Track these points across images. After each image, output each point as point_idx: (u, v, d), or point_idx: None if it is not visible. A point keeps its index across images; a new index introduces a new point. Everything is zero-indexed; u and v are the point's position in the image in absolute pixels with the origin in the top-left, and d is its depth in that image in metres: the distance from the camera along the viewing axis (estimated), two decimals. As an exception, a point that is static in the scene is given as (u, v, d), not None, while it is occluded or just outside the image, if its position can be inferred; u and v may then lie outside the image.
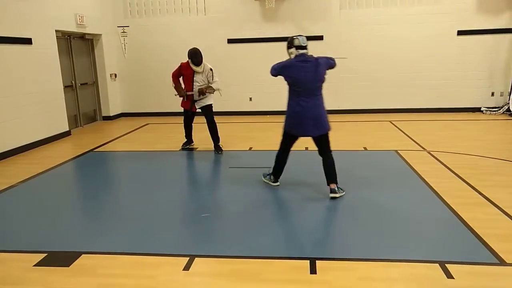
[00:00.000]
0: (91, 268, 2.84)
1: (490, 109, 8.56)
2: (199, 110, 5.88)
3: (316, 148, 4.07)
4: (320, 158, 4.05)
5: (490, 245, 2.96)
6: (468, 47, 8.48)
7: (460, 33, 8.41)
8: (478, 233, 3.16)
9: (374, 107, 8.94)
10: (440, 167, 4.95)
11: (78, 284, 2.66)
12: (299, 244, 3.17)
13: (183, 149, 6.20)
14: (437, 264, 2.72)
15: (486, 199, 3.87)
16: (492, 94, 8.68)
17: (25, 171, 5.21)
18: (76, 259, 2.95)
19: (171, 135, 7.17)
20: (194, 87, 5.69)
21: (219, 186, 4.80)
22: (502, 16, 8.29)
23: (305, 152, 5.39)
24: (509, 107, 8.31)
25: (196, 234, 3.39)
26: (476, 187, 4.17)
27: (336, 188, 3.98)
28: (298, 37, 3.90)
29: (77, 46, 8.32)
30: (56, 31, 7.16)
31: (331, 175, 4.00)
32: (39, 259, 2.96)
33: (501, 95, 8.65)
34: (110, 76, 9.12)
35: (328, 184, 4.01)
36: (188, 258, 2.92)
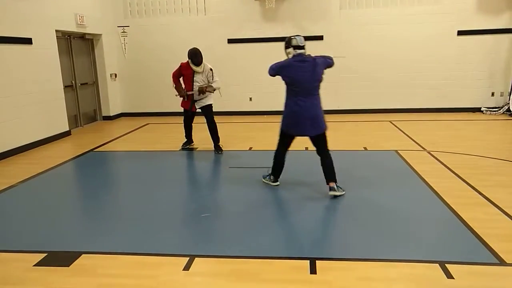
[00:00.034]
0: (91, 268, 2.85)
1: (490, 109, 8.56)
2: (199, 110, 5.88)
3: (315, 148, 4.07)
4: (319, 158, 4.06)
5: (490, 245, 2.96)
6: (468, 47, 8.48)
7: (460, 33, 8.41)
8: (478, 233, 3.16)
9: (374, 107, 8.94)
10: (440, 167, 4.95)
11: (78, 284, 2.66)
12: (299, 244, 3.17)
13: (183, 149, 6.21)
14: (437, 264, 2.73)
15: (486, 199, 3.87)
16: (492, 94, 8.68)
17: (25, 171, 5.21)
18: (76, 259, 2.95)
19: (171, 135, 7.17)
20: (194, 87, 5.69)
21: (219, 186, 4.80)
22: (502, 16, 8.29)
23: (305, 152, 5.39)
24: (509, 107, 8.31)
25: (196, 234, 3.39)
26: (476, 187, 4.18)
27: (336, 187, 3.99)
28: (295, 37, 3.90)
29: (77, 46, 8.32)
30: (56, 31, 7.16)
31: (330, 174, 4.01)
32: (39, 259, 2.97)
33: (501, 95, 8.65)
34: (110, 76, 9.12)
35: (328, 183, 4.02)
36: (188, 258, 2.92)
